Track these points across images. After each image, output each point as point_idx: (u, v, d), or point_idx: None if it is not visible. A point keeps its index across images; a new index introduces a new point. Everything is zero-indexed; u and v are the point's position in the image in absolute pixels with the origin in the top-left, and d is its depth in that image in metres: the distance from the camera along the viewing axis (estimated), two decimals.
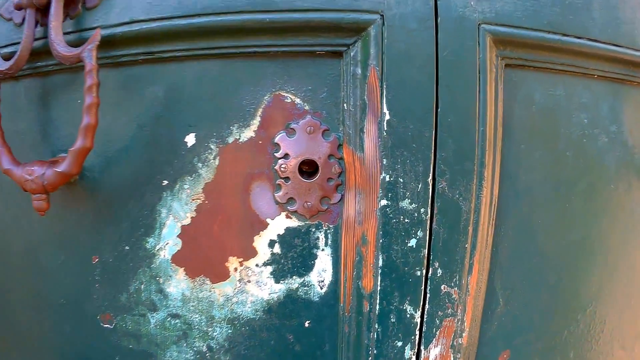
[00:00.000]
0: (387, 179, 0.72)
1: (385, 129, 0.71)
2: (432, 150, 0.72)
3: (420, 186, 0.73)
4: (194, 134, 0.73)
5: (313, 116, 0.73)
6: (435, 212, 0.73)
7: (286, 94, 0.73)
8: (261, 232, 0.75)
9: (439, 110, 0.71)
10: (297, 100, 0.73)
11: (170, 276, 0.76)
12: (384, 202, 0.73)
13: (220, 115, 0.72)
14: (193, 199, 0.74)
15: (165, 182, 0.74)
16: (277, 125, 0.73)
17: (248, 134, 0.74)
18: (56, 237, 0.80)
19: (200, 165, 0.74)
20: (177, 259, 0.76)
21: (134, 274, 0.76)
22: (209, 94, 0.72)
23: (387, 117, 0.71)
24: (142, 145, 0.74)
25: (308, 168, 0.74)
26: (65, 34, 0.69)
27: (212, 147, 0.73)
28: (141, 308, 0.77)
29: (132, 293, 0.76)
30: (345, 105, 0.72)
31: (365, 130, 0.72)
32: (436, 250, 0.74)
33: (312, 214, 0.75)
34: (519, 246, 0.80)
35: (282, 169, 0.73)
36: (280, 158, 0.73)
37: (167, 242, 0.76)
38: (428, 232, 0.73)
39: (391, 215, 0.73)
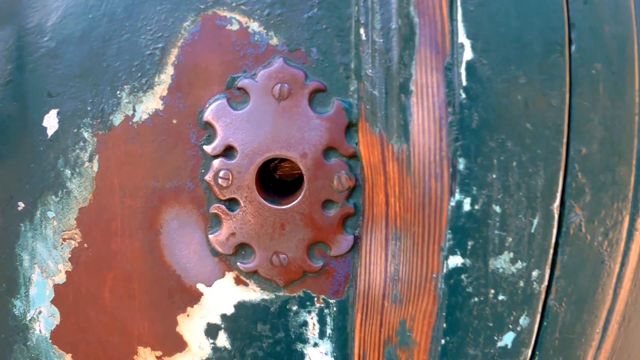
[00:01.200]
0: (468, 206, 0.33)
1: (465, 84, 0.31)
2: (565, 136, 0.30)
3: (536, 222, 0.32)
4: (57, 110, 0.42)
5: (288, 59, 0.36)
6: (557, 274, 0.34)
7: (229, 14, 0.36)
8: (189, 308, 0.40)
9: (573, 39, 0.31)
10: (254, 27, 0.35)
11: None
12: (456, 259, 0.33)
13: (99, 70, 0.39)
14: (64, 239, 0.43)
15: (21, 204, 0.45)
16: (210, 82, 0.37)
17: (150, 105, 0.38)
18: None
19: (68, 172, 0.42)
20: (58, 338, 0.47)
21: (10, 352, 0.50)
22: (81, 29, 0.40)
23: (469, 54, 0.31)
24: None
25: (281, 175, 0.39)
26: None
27: (85, 135, 0.40)
28: None
29: None
30: (362, 32, 0.34)
31: (411, 89, 0.32)
32: (547, 348, 0.37)
33: (290, 277, 0.38)
34: None
35: (221, 180, 0.35)
36: (216, 156, 0.37)
37: (39, 310, 0.46)
38: (540, 314, 0.35)
39: (471, 289, 0.33)
